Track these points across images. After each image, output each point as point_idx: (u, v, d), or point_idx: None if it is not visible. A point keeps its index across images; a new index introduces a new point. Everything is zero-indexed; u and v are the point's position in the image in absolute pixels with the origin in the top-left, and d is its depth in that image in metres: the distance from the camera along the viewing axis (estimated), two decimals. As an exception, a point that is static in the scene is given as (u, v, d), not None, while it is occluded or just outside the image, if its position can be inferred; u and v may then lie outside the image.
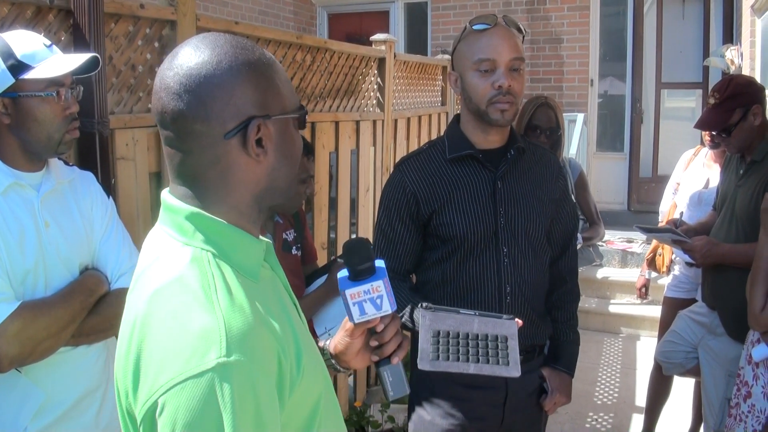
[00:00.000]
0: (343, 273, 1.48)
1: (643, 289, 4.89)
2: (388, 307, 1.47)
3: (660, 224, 4.60)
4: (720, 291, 3.45)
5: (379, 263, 1.49)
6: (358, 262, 1.46)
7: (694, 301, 4.30)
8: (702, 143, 4.40)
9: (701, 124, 3.47)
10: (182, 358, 1.10)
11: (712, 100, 3.41)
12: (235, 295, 1.19)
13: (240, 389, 1.09)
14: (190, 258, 1.22)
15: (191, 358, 1.09)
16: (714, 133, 3.36)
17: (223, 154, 1.24)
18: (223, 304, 1.15)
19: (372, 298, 1.46)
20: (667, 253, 4.56)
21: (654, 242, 4.66)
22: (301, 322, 1.41)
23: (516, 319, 2.21)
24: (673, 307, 4.44)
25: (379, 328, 1.51)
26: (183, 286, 1.18)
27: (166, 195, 1.30)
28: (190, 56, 1.23)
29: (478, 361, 2.15)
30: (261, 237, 1.38)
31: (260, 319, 1.19)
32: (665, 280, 4.81)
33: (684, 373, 3.92)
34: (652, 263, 4.74)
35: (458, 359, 2.16)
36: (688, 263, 4.31)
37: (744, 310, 3.11)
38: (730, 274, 3.33)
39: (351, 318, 1.49)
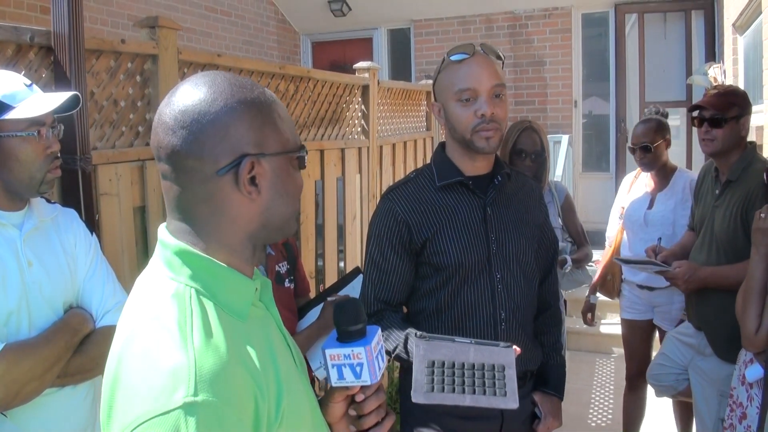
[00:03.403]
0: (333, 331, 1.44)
1: (589, 315, 4.69)
2: (367, 378, 1.40)
3: (608, 250, 4.60)
4: (705, 313, 3.44)
5: (372, 330, 1.44)
6: (345, 323, 1.41)
7: (651, 321, 4.35)
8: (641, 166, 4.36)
9: (697, 106, 3.44)
10: (151, 396, 1.08)
11: (713, 91, 3.45)
12: (212, 334, 1.17)
13: (206, 430, 1.07)
14: (172, 293, 1.21)
15: (159, 396, 1.08)
16: (706, 122, 3.33)
17: (215, 191, 1.24)
18: (197, 342, 1.14)
19: (351, 365, 1.39)
20: (617, 275, 4.53)
21: (602, 267, 4.61)
22: (293, 364, 1.38)
23: (514, 347, 2.18)
24: (632, 328, 4.47)
25: (359, 398, 1.44)
26: (159, 323, 1.17)
27: (161, 229, 1.30)
28: (188, 93, 1.24)
29: (474, 392, 2.08)
30: (262, 276, 1.38)
31: (238, 359, 1.17)
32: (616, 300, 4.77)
33: (676, 395, 3.90)
34: (603, 288, 4.66)
35: (453, 390, 2.08)
36: (640, 286, 4.31)
37: (730, 330, 3.11)
38: (713, 297, 3.33)
39: (328, 380, 1.42)
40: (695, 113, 3.43)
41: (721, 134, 3.31)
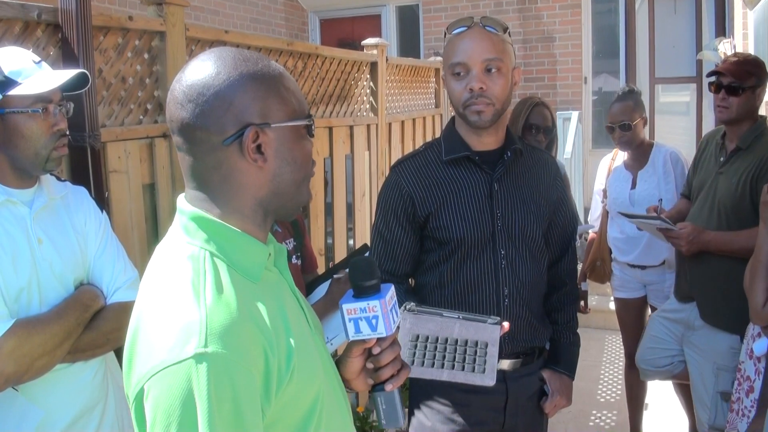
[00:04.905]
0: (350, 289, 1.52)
1: (582, 303, 4.53)
2: (383, 330, 1.47)
3: (594, 235, 4.58)
4: (701, 279, 3.43)
5: (387, 286, 1.51)
6: (360, 279, 1.48)
7: (643, 299, 4.34)
8: (619, 145, 4.31)
9: (717, 71, 3.42)
10: (165, 348, 1.18)
11: (734, 58, 3.44)
12: (224, 292, 1.26)
13: (216, 379, 1.16)
14: (188, 256, 1.30)
15: (173, 348, 1.17)
16: (723, 89, 3.32)
17: (223, 160, 1.32)
18: (208, 299, 1.23)
19: (368, 318, 1.46)
20: (607, 260, 4.49)
21: (592, 254, 4.58)
22: (306, 325, 1.47)
23: (503, 323, 2.18)
24: (625, 306, 4.46)
25: (375, 351, 1.50)
26: (175, 282, 1.27)
27: (179, 198, 1.40)
28: (195, 69, 1.33)
29: (453, 367, 2.12)
30: (276, 242, 1.49)
31: (248, 315, 1.25)
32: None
33: (673, 378, 3.86)
34: (592, 274, 4.62)
35: (432, 365, 2.13)
36: (631, 265, 4.29)
37: (724, 297, 3.18)
38: (712, 262, 3.33)
39: (346, 334, 1.49)
40: (713, 78, 3.41)
41: (737, 102, 3.31)
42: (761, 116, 3.43)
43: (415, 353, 2.14)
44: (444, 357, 2.14)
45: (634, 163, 4.26)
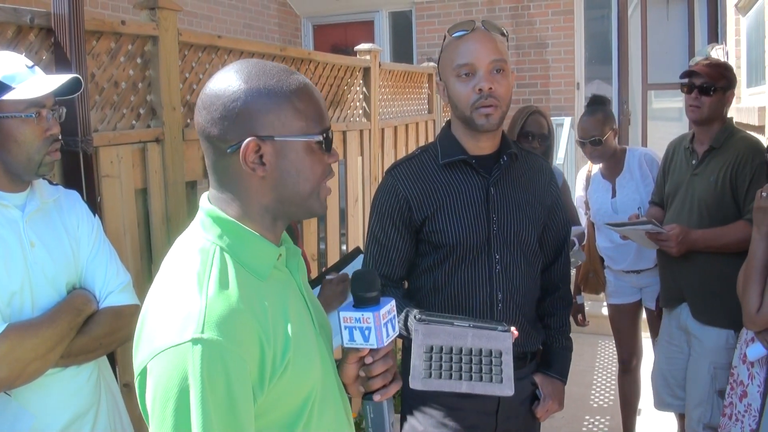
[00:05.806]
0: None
1: (580, 316, 4.52)
2: (374, 342, 1.53)
3: (582, 246, 4.56)
4: (689, 278, 3.46)
5: (387, 299, 1.57)
6: (360, 290, 1.55)
7: (638, 303, 4.35)
8: (591, 159, 4.31)
9: (690, 72, 3.48)
10: (167, 333, 1.28)
11: (705, 61, 3.52)
12: (227, 286, 1.35)
13: (209, 362, 1.25)
14: (199, 248, 1.41)
15: (174, 332, 1.28)
16: (696, 89, 3.41)
17: (229, 165, 1.42)
18: (210, 290, 1.33)
19: (361, 328, 1.53)
20: (600, 271, 4.49)
21: (583, 266, 4.55)
22: (310, 325, 1.55)
23: (512, 330, 2.19)
24: (620, 312, 4.45)
25: (367, 361, 1.57)
26: (183, 272, 1.37)
27: (203, 195, 1.52)
28: (217, 78, 1.44)
29: (471, 378, 2.13)
30: (292, 245, 1.60)
31: (247, 308, 1.34)
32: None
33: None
34: (587, 286, 4.60)
35: (450, 377, 2.14)
36: (626, 272, 4.28)
37: (716, 295, 3.25)
38: (698, 260, 3.37)
39: (341, 340, 1.56)
40: (685, 80, 3.48)
41: (709, 102, 3.40)
42: (729, 117, 3.53)
43: (431, 365, 2.15)
44: (461, 368, 2.14)
45: (611, 171, 4.27)
